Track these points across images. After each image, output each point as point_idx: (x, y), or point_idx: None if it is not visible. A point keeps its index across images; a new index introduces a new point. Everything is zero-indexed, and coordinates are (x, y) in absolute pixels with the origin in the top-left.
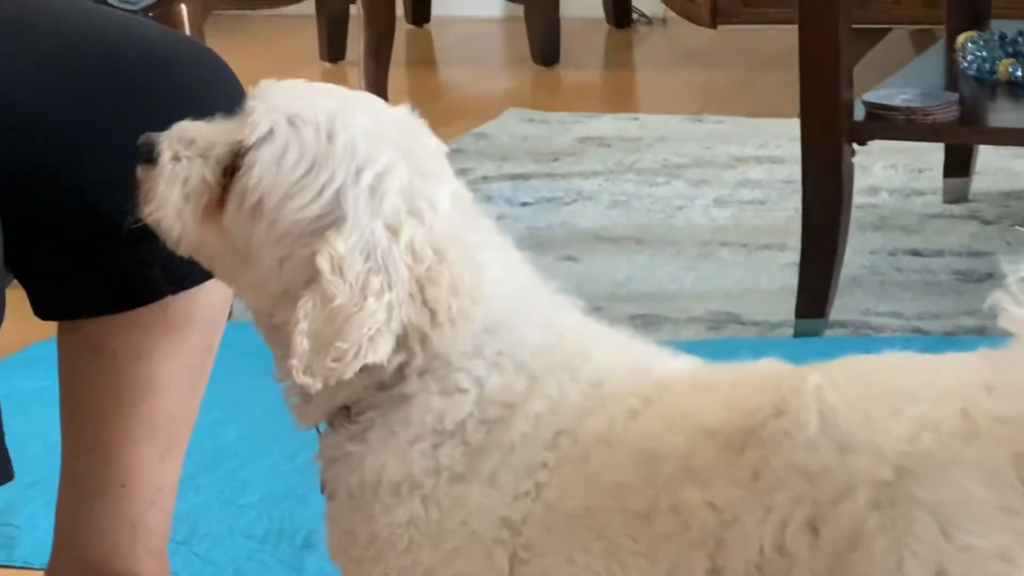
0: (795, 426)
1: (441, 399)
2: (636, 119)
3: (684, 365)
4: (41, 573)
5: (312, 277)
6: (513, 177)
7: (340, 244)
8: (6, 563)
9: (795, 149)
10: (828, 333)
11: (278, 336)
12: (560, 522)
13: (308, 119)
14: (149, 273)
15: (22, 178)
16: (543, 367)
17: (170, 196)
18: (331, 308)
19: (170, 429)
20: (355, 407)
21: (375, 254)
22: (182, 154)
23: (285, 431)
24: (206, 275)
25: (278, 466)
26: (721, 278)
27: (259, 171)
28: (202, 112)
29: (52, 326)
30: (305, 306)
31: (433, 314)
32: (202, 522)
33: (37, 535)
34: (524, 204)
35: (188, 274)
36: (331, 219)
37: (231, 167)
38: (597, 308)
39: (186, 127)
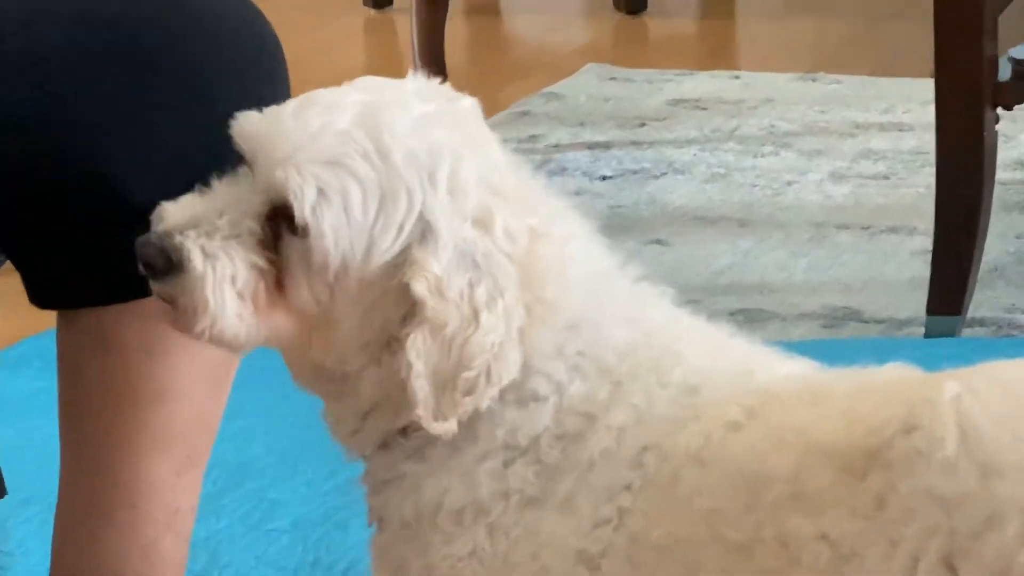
0: (929, 444)
1: (516, 410)
2: (737, 78)
3: (794, 370)
4: None
5: (410, 311)
6: (592, 146)
7: (433, 263)
8: None
9: (927, 114)
10: (965, 332)
11: (340, 385)
12: (645, 555)
13: (349, 149)
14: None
15: (22, 143)
16: (628, 371)
17: (224, 302)
18: (443, 337)
19: (188, 440)
20: (412, 423)
21: (474, 260)
22: (212, 248)
23: (321, 444)
24: None
25: (313, 485)
26: (838, 267)
27: (331, 236)
28: (235, 74)
29: (49, 317)
30: (415, 345)
31: (528, 307)
32: (224, 550)
33: (31, 563)
34: (604, 178)
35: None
36: (417, 239)
37: (272, 237)
38: (691, 301)
39: (186, 209)
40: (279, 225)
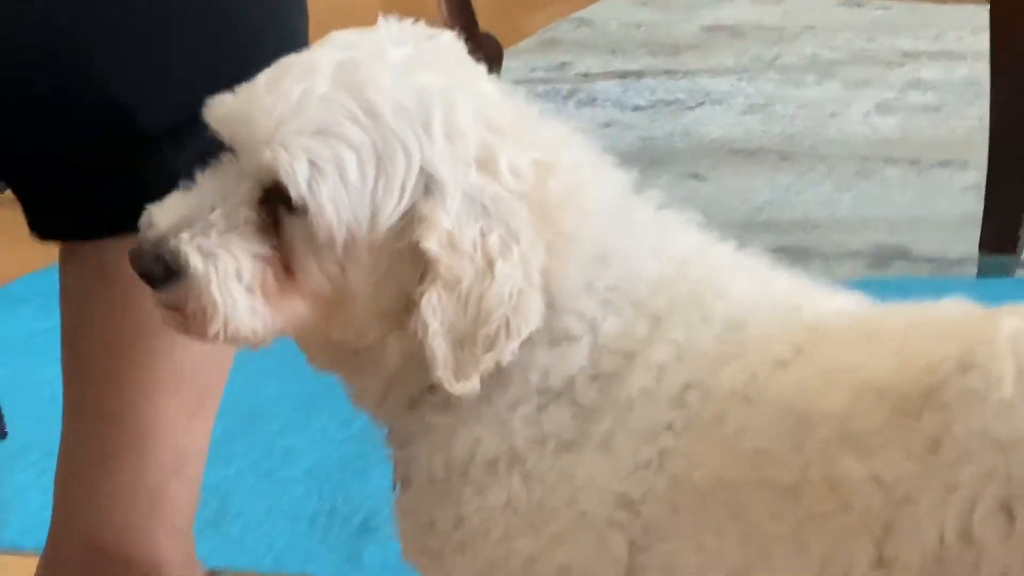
0: (986, 384)
1: (548, 351)
2: (778, 2)
3: (844, 305)
4: (34, 559)
5: (424, 271)
6: (623, 74)
7: (443, 216)
8: None
9: (980, 42)
10: (1020, 274)
11: (361, 359)
12: (688, 499)
13: (333, 115)
14: (176, 183)
15: (24, 64)
16: (666, 305)
17: (234, 300)
18: (459, 293)
19: (199, 380)
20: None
21: (484, 206)
22: (210, 246)
23: (337, 389)
24: None
25: (329, 432)
26: (885, 203)
27: (331, 209)
28: None
29: (50, 253)
30: (429, 303)
31: (549, 244)
32: (234, 498)
33: (29, 512)
34: (637, 108)
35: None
36: (423, 195)
37: (271, 222)
38: (728, 239)
39: (174, 209)
40: (276, 208)
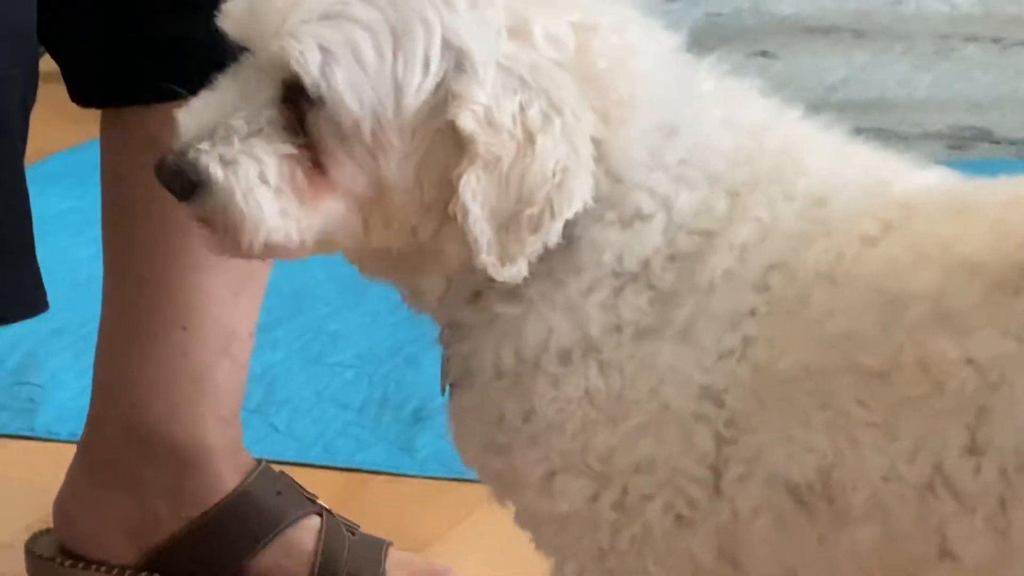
0: None
1: (619, 231)
2: None
3: (934, 180)
4: (69, 448)
5: (460, 152)
6: None
7: (477, 91)
8: (25, 433)
9: None
10: None
11: (418, 260)
12: (773, 388)
13: None
14: (224, 44)
15: None
16: (744, 180)
17: (261, 206)
18: (499, 173)
19: None
20: None
21: (520, 77)
22: (231, 155)
23: None
24: None
25: (380, 315)
26: (966, 82)
27: (350, 95)
28: None
29: (81, 131)
30: (468, 185)
31: (603, 113)
32: (280, 385)
33: (63, 398)
34: None
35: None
36: (453, 71)
37: (296, 119)
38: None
39: (197, 116)
40: (299, 103)
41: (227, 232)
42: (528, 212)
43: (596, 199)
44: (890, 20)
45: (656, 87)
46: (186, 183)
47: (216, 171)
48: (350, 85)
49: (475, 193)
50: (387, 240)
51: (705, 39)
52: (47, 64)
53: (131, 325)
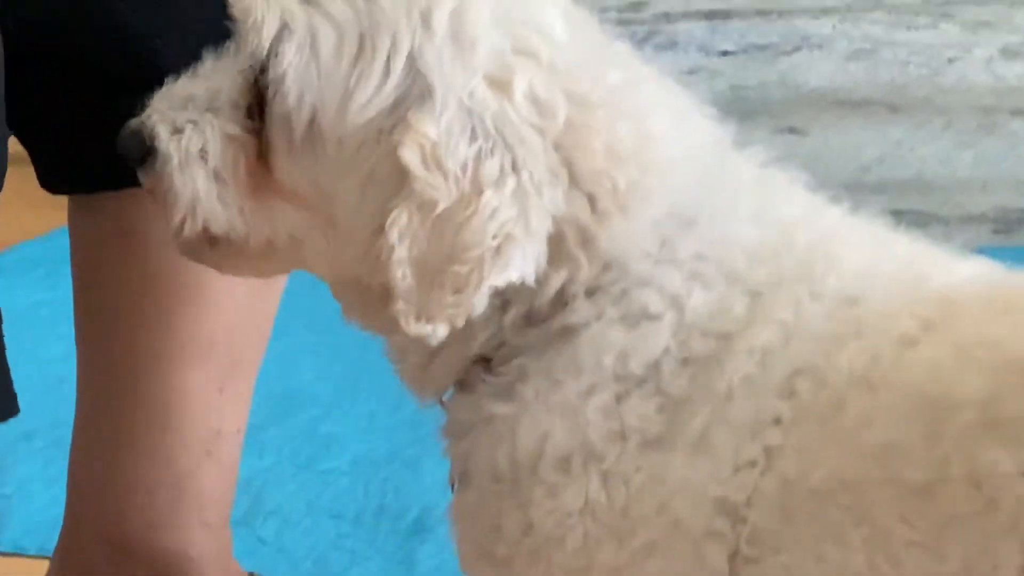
0: None
1: (623, 330)
2: None
3: (977, 272)
4: (39, 562)
5: (400, 183)
6: (709, 15)
7: (429, 125)
8: None
9: None
10: None
11: (378, 300)
12: (802, 502)
13: None
14: None
15: (40, 2)
16: (768, 278)
17: (195, 184)
18: (434, 218)
19: (231, 348)
20: (498, 354)
21: (482, 124)
22: (181, 122)
23: (385, 368)
24: None
25: (376, 417)
26: (1013, 160)
27: (293, 79)
28: None
29: (53, 217)
30: (398, 222)
31: (591, 198)
32: (269, 494)
33: (32, 509)
34: (725, 53)
35: None
36: (412, 98)
37: (255, 104)
38: (832, 201)
39: (172, 88)
40: (263, 88)
41: (165, 205)
42: (455, 269)
43: (593, 292)
44: (929, 92)
45: (675, 177)
46: (139, 145)
47: (163, 133)
48: (296, 69)
49: (403, 232)
50: (348, 268)
51: (728, 114)
52: (14, 146)
53: (108, 427)
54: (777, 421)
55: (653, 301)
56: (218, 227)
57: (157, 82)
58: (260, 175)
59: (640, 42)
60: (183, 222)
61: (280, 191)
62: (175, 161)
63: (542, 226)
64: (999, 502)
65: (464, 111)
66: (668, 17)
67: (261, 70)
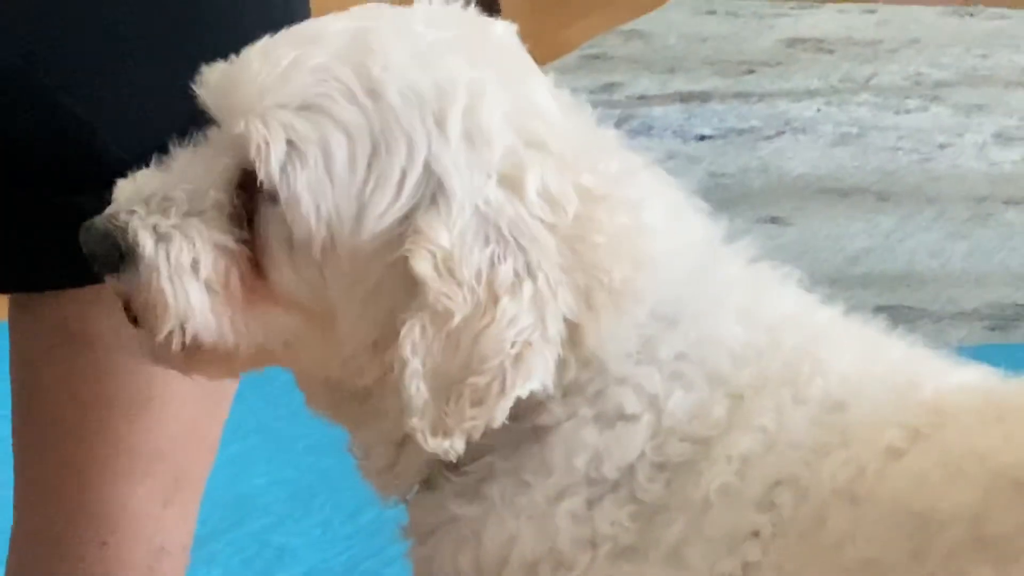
0: None
1: (597, 430)
2: (873, 11)
3: (970, 380)
4: None
5: (411, 294)
6: (686, 97)
7: (442, 233)
8: None
9: None
10: None
11: (362, 405)
12: None
13: (324, 89)
14: None
15: None
16: (751, 381)
17: (188, 295)
18: (450, 330)
19: (177, 460)
20: (465, 451)
21: (498, 229)
22: (166, 228)
23: (341, 474)
24: None
25: (332, 526)
26: (1008, 252)
27: (309, 202)
28: (232, 15)
29: None
30: (411, 335)
31: (588, 293)
32: None
33: None
34: (703, 138)
35: None
36: (425, 204)
37: (243, 210)
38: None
39: (140, 183)
40: (253, 194)
41: (147, 315)
42: (473, 381)
43: (568, 390)
44: (919, 180)
45: (663, 274)
46: (111, 249)
47: (146, 241)
48: (311, 189)
49: (416, 345)
50: (334, 370)
51: (706, 202)
52: None
53: (42, 542)
54: (755, 535)
55: (630, 401)
56: (208, 338)
57: (101, 176)
58: (252, 283)
59: (614, 126)
60: (170, 335)
61: (275, 298)
62: (164, 272)
63: (557, 330)
64: None
65: (479, 216)
66: (642, 100)
67: (248, 175)
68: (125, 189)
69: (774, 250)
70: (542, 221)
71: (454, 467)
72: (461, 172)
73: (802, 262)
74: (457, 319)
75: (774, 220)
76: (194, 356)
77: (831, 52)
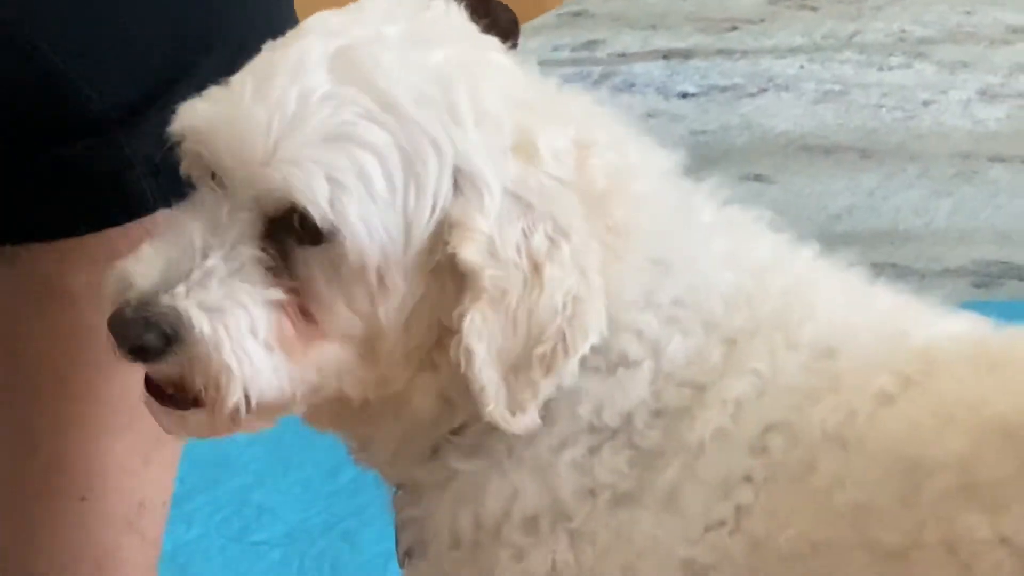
0: None
1: (600, 379)
2: None
3: (960, 329)
4: None
5: (458, 289)
6: (668, 54)
7: (480, 220)
8: None
9: None
10: None
11: (378, 411)
12: (772, 566)
13: (343, 115)
14: (130, 176)
15: None
16: (743, 326)
17: (252, 362)
18: (506, 309)
19: None
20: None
21: (524, 201)
22: (212, 299)
23: (320, 433)
24: None
25: (312, 485)
26: (992, 210)
27: (363, 230)
28: None
29: None
30: (474, 325)
31: (603, 239)
32: (196, 568)
33: None
34: (685, 96)
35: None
36: (459, 198)
37: (279, 256)
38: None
39: (155, 261)
40: (282, 241)
41: (208, 394)
42: (539, 351)
43: None
44: (903, 138)
45: (653, 213)
46: (161, 337)
47: (201, 321)
48: (361, 218)
49: (480, 333)
50: (361, 390)
51: (688, 157)
52: None
53: (22, 499)
54: (748, 479)
55: (633, 347)
56: (272, 397)
57: (87, 133)
58: (302, 329)
59: (595, 84)
60: (236, 406)
61: (324, 336)
62: (227, 347)
63: (598, 278)
64: (975, 569)
65: (509, 196)
66: (624, 57)
67: (285, 226)
68: (144, 269)
69: (758, 207)
70: (558, 180)
71: (457, 431)
72: (484, 158)
73: (785, 220)
74: (512, 298)
75: (757, 178)
76: (250, 416)
77: (815, 9)
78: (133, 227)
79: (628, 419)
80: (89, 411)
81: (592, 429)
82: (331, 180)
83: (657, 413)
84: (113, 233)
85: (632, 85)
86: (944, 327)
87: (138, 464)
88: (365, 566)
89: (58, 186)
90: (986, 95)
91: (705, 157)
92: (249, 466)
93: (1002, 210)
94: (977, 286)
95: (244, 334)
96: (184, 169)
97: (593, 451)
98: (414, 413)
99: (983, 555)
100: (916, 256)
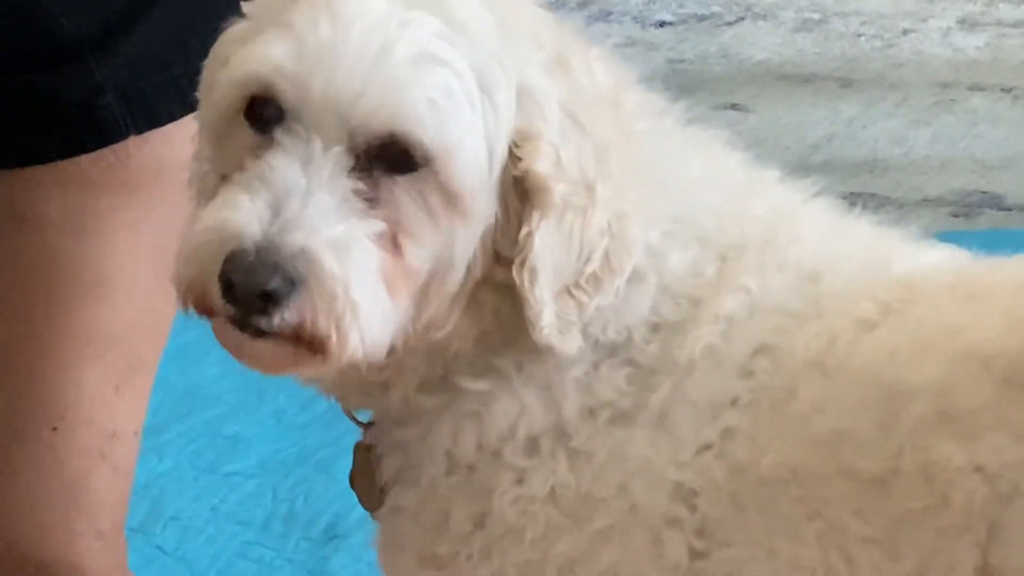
0: None
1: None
2: None
3: (940, 259)
4: None
5: (520, 208)
6: None
7: (547, 131)
8: None
9: None
10: None
11: (398, 366)
12: (753, 492)
13: (429, 38)
14: (101, 102)
15: None
16: (733, 242)
17: (374, 299)
18: (567, 227)
19: (129, 345)
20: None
21: (574, 118)
22: (339, 235)
23: None
24: (188, 107)
25: (285, 416)
26: (972, 139)
27: (463, 150)
28: None
29: None
30: (545, 241)
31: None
32: (169, 499)
33: None
34: (662, 24)
35: (161, 104)
36: (521, 112)
37: (371, 190)
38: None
39: (255, 207)
40: (374, 173)
41: (328, 339)
42: (589, 271)
43: None
44: (882, 67)
45: (645, 128)
46: (284, 281)
47: (330, 260)
48: (460, 140)
49: (545, 253)
50: (403, 338)
51: (665, 89)
52: None
53: None
54: (735, 402)
55: (641, 261)
56: (379, 340)
57: (58, 59)
58: (397, 267)
59: (571, 11)
60: (355, 347)
61: (412, 277)
62: (355, 283)
63: (637, 195)
64: (951, 498)
65: (563, 109)
66: None
67: (378, 156)
68: (240, 219)
69: (735, 137)
70: (594, 97)
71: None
72: (540, 74)
73: (763, 149)
74: (570, 216)
75: (734, 107)
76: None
77: None
78: (104, 153)
79: (628, 334)
80: (58, 338)
81: (596, 345)
82: (430, 102)
83: (655, 328)
84: (84, 160)
85: (609, 14)
86: (925, 257)
87: (110, 393)
88: (339, 497)
89: (29, 112)
90: (966, 23)
91: (682, 86)
92: (223, 397)
93: (981, 139)
94: (956, 216)
95: (367, 270)
96: (243, 115)
97: (595, 367)
98: (447, 357)
99: (958, 483)
100: (895, 185)
